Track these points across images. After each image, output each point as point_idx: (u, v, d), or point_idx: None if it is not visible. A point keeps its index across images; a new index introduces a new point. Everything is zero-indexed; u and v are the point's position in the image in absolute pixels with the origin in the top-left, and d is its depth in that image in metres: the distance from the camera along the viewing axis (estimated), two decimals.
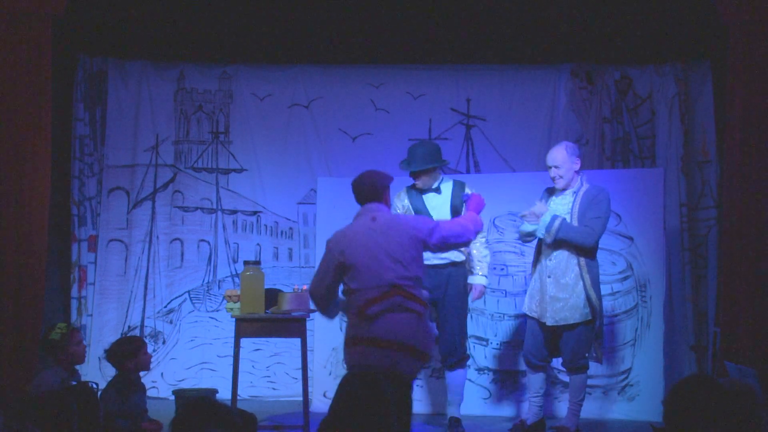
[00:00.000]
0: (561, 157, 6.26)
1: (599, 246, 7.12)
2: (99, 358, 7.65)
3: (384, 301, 5.19)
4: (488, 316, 7.32)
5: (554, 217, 6.15)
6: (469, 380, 7.19)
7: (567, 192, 6.31)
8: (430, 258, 6.47)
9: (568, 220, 6.20)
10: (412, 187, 6.63)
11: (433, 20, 7.96)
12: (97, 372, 7.59)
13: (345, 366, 5.35)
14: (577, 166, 6.30)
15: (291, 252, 8.19)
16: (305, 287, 6.53)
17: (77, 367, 6.07)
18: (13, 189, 6.74)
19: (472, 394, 7.21)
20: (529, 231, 6.29)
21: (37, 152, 6.80)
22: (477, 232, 5.66)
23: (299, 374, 6.70)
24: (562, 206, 6.27)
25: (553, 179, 6.32)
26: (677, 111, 7.90)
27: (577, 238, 6.13)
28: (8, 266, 6.69)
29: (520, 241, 6.76)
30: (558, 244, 6.19)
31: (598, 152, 7.98)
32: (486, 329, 7.30)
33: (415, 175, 6.52)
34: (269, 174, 8.22)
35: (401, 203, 6.61)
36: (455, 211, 6.47)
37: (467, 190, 6.48)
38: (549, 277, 6.24)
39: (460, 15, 7.93)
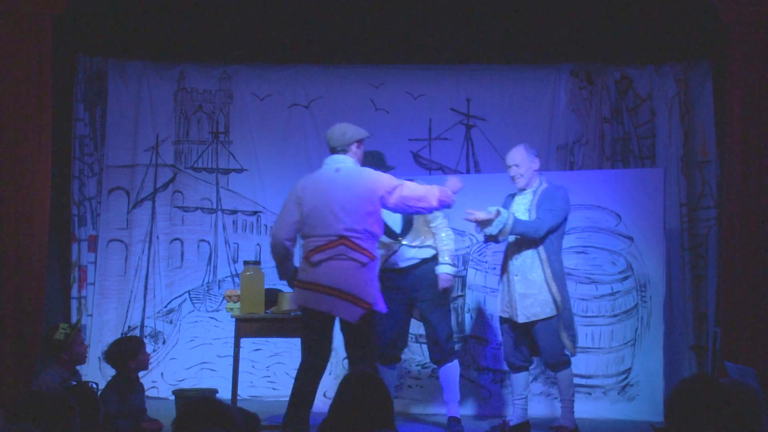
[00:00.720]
0: (520, 156, 6.34)
1: (599, 246, 7.17)
2: (99, 358, 7.65)
3: (329, 250, 5.56)
4: (488, 316, 7.32)
5: (509, 215, 6.21)
6: (469, 380, 7.20)
7: (527, 191, 6.37)
8: (398, 262, 6.48)
9: (527, 217, 6.25)
10: None
11: (433, 20, 7.96)
12: (97, 372, 7.59)
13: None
14: (536, 166, 6.35)
15: None
16: None
17: (77, 367, 6.07)
18: (13, 189, 6.74)
19: (472, 394, 7.21)
20: (490, 234, 6.32)
21: (37, 152, 6.79)
22: (442, 203, 5.83)
23: None
24: (522, 205, 6.35)
25: (513, 178, 6.38)
26: (677, 111, 7.90)
27: (526, 230, 6.20)
28: (8, 266, 6.69)
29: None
30: (520, 243, 6.26)
31: (598, 152, 7.98)
32: (486, 329, 7.30)
33: None
34: (269, 174, 8.21)
35: None
36: (405, 216, 6.44)
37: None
38: (516, 275, 6.28)
39: (460, 15, 7.93)
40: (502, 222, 6.15)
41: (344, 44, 8.09)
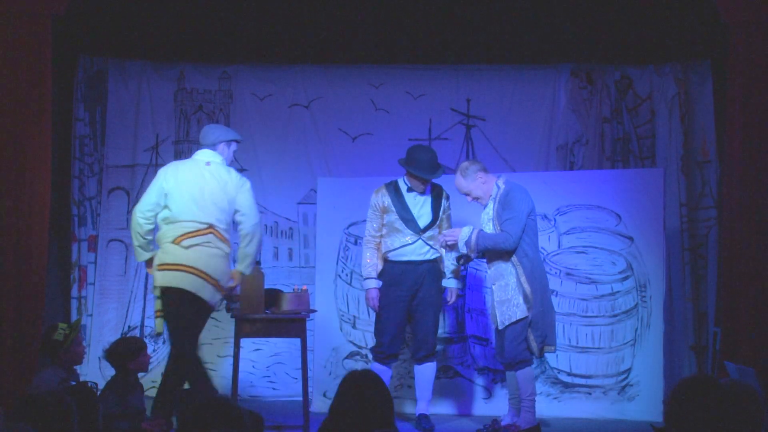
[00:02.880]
0: (463, 184, 6.40)
1: (599, 246, 7.17)
2: (99, 358, 7.64)
3: (200, 236, 6.00)
4: (488, 315, 7.31)
5: (471, 231, 6.25)
6: (469, 380, 7.22)
7: (488, 202, 6.38)
8: (407, 254, 6.55)
9: (491, 227, 6.27)
10: (394, 185, 6.66)
11: (433, 20, 7.96)
12: (97, 372, 7.58)
13: (157, 287, 6.09)
14: (483, 179, 6.35)
15: (291, 252, 8.19)
16: (305, 287, 6.67)
17: (77, 367, 6.07)
18: (13, 189, 6.73)
19: (472, 394, 7.22)
20: (461, 255, 6.43)
21: (37, 152, 6.78)
22: (258, 242, 6.27)
23: (299, 374, 6.71)
24: (486, 215, 6.39)
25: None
26: (677, 111, 7.90)
27: (494, 244, 6.24)
28: (8, 266, 6.68)
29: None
30: (490, 254, 6.32)
31: (598, 152, 7.98)
32: (486, 329, 7.30)
33: (427, 180, 6.62)
34: (269, 174, 8.21)
35: (381, 201, 6.64)
36: (435, 212, 6.63)
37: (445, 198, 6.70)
38: (493, 284, 6.37)
39: (460, 15, 7.93)
40: (465, 237, 6.23)
41: (344, 44, 8.09)
